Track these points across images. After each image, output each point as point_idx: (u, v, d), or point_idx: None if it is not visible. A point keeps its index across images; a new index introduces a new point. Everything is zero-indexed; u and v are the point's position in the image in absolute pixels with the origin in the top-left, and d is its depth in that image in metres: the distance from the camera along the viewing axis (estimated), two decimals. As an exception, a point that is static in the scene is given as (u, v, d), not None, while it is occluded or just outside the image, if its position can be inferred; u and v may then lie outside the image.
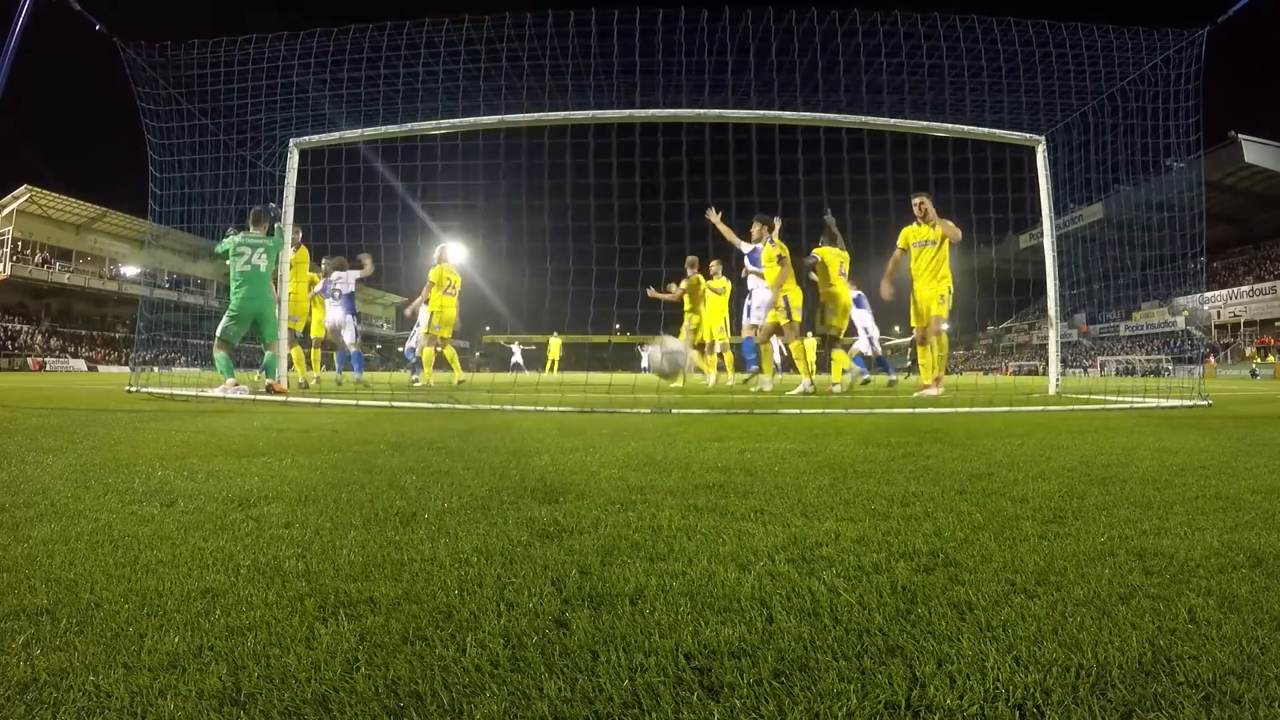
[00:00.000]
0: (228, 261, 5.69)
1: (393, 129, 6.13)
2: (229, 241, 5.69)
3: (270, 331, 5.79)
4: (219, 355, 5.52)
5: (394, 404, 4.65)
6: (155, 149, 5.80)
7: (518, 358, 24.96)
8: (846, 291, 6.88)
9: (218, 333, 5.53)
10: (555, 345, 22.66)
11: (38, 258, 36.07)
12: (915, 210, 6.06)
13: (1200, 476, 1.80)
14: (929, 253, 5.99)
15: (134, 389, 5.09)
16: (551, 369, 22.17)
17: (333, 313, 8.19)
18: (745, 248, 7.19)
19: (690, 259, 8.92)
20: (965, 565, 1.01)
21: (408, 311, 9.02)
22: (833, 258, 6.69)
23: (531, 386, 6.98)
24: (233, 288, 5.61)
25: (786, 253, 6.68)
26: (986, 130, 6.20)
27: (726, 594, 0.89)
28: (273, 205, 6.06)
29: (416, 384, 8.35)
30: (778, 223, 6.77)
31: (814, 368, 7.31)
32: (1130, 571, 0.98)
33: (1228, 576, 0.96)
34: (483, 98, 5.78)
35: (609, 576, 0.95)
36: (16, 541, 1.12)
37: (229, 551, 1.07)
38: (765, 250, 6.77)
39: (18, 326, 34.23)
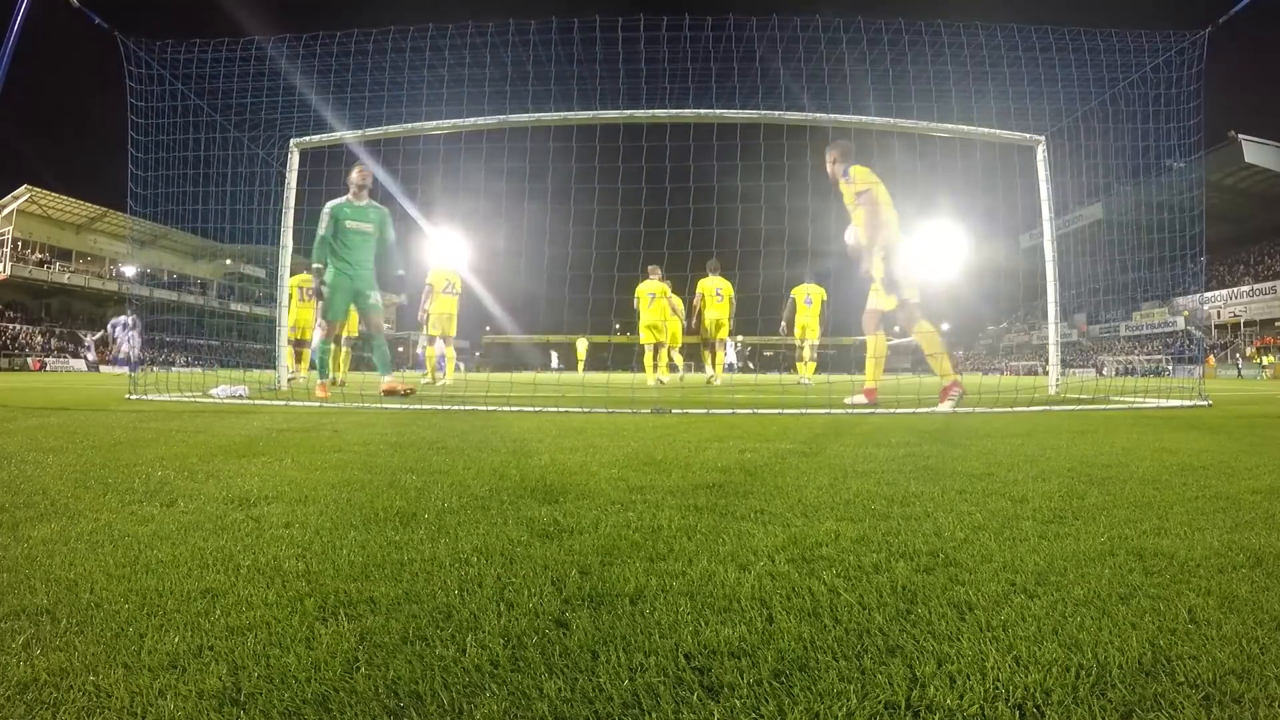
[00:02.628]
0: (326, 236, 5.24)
1: (394, 129, 6.13)
2: (328, 210, 5.26)
3: (367, 305, 5.39)
4: (317, 343, 5.29)
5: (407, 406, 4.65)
6: (140, 147, 5.72)
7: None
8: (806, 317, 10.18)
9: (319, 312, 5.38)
10: (583, 346, 23.32)
11: (37, 257, 36.09)
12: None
13: (1200, 476, 1.80)
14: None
15: (133, 396, 5.08)
16: (580, 369, 22.90)
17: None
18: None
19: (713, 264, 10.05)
20: (965, 565, 1.01)
21: (420, 315, 9.34)
22: (800, 292, 10.07)
23: (529, 385, 7.01)
24: (331, 260, 5.26)
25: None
26: (987, 130, 6.20)
27: (726, 594, 0.89)
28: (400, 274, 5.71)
29: (424, 382, 8.57)
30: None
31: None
32: (1130, 571, 0.98)
33: (1228, 576, 0.96)
34: (487, 101, 5.79)
35: (609, 576, 0.95)
36: (16, 541, 1.12)
37: (229, 551, 1.07)
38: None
39: (17, 327, 34.22)
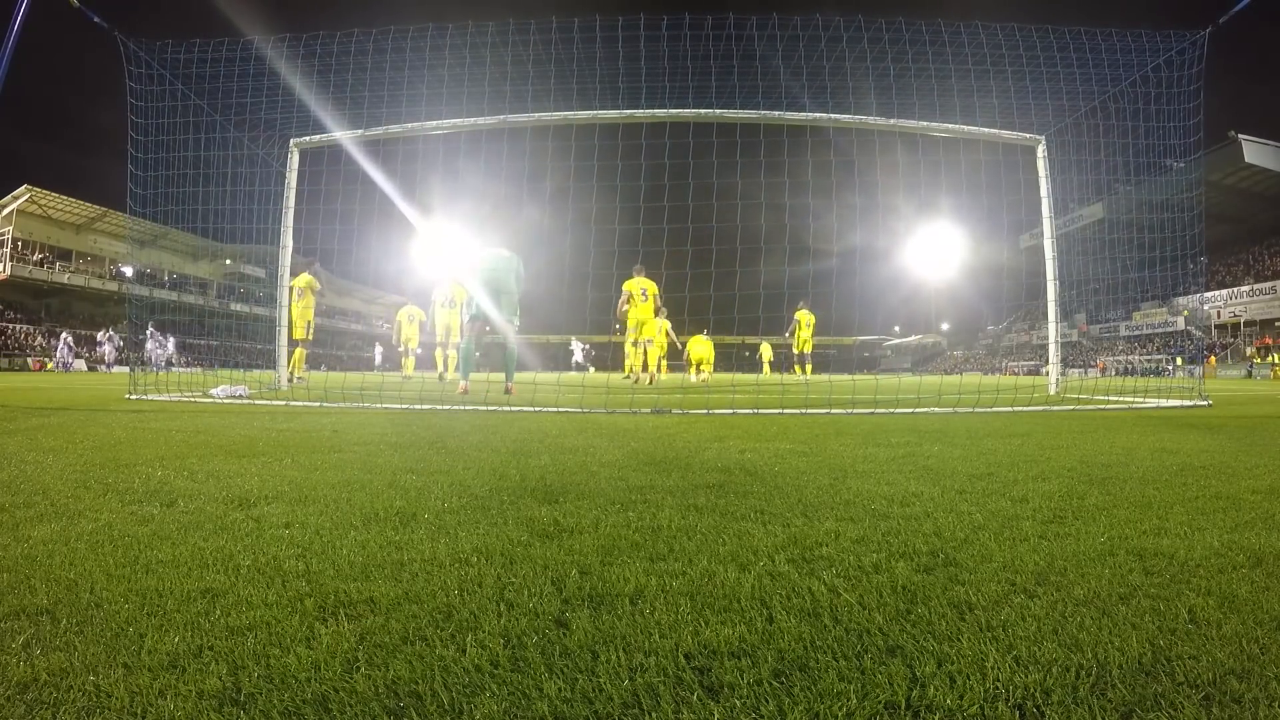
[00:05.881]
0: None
1: (394, 129, 6.12)
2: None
3: (505, 306, 5.86)
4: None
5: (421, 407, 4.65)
6: (140, 146, 5.70)
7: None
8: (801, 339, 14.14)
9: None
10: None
11: (37, 257, 36.08)
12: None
13: (1200, 476, 1.80)
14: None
15: (133, 396, 5.08)
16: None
17: None
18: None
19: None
20: (965, 565, 1.01)
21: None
22: (802, 316, 13.79)
23: (531, 385, 7.02)
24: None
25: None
26: (987, 130, 6.19)
27: (726, 594, 0.89)
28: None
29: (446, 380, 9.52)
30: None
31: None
32: (1130, 571, 0.98)
33: (1228, 576, 0.96)
34: (487, 101, 5.79)
35: (609, 576, 0.95)
36: (16, 541, 1.12)
37: (229, 551, 1.07)
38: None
39: (18, 327, 34.22)
